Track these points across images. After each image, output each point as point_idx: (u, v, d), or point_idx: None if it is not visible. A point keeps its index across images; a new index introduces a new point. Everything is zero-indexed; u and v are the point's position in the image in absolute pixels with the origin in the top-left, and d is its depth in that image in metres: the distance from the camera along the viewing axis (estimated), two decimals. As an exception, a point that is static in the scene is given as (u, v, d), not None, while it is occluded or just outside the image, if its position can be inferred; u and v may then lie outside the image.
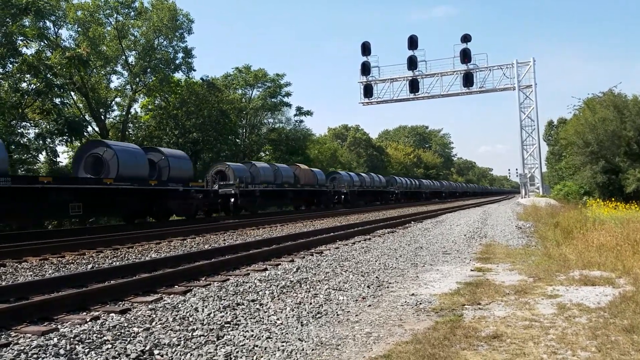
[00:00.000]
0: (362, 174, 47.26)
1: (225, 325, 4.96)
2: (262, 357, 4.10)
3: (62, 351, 4.11)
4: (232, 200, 24.88)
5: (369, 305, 5.81)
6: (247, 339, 4.52)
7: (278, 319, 5.20)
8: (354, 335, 4.67)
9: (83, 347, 4.21)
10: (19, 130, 27.11)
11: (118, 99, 38.47)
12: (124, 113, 38.17)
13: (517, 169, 49.20)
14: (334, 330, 4.84)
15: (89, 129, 34.91)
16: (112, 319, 5.11)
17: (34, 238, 13.51)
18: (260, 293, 6.35)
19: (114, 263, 9.44)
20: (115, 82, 45.24)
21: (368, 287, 6.80)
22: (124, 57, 36.52)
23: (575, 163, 34.03)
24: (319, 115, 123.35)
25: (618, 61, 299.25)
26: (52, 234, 15.69)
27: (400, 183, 53.92)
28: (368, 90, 38.62)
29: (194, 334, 4.65)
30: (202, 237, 14.24)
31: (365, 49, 37.94)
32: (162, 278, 7.17)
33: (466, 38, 35.88)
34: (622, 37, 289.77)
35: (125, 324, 4.87)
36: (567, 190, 34.67)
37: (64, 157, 35.74)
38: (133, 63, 36.97)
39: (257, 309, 5.61)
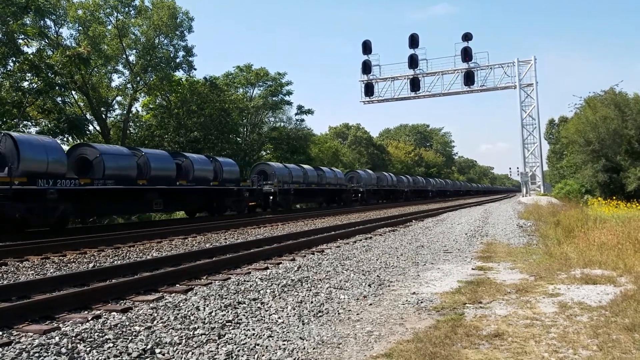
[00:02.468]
0: (376, 173, 49.26)
1: (227, 324, 4.96)
2: (263, 355, 4.11)
3: (63, 350, 4.11)
4: (271, 197, 27.91)
5: (370, 304, 5.81)
6: (248, 338, 4.53)
7: (279, 318, 5.20)
8: (355, 334, 4.67)
9: (84, 346, 4.22)
10: (21, 129, 27.13)
11: (119, 98, 38.52)
12: (125, 112, 38.19)
13: (518, 168, 49.27)
14: (335, 328, 4.85)
15: (90, 128, 34.96)
16: (113, 317, 5.12)
17: (35, 237, 13.53)
18: (261, 292, 6.36)
19: (116, 262, 9.44)
20: (116, 80, 45.40)
21: (369, 285, 6.80)
22: (124, 55, 36.53)
23: (577, 161, 33.96)
24: (320, 114, 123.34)
25: (619, 60, 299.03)
26: (53, 233, 15.70)
27: (410, 182, 56.08)
28: (369, 89, 38.60)
29: (196, 332, 4.65)
30: (204, 236, 14.24)
31: (366, 47, 37.92)
32: (164, 277, 7.18)
33: (467, 36, 35.85)
34: (623, 35, 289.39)
35: (127, 323, 4.88)
36: (569, 189, 34.60)
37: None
38: (134, 62, 36.98)
39: (259, 307, 5.62)
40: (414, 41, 36.76)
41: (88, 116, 35.41)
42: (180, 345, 4.31)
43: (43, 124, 29.35)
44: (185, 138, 38.25)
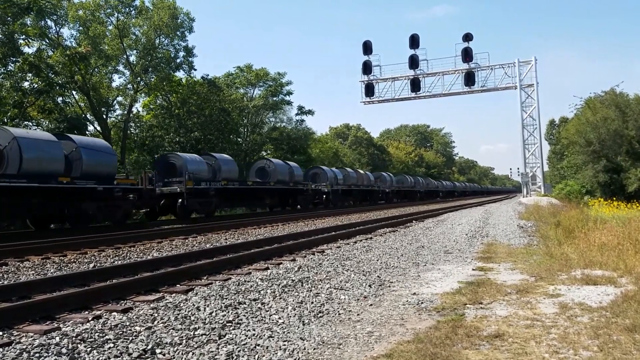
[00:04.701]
0: (397, 176, 55.50)
1: (227, 324, 4.96)
2: (263, 356, 4.11)
3: (64, 350, 4.11)
4: (325, 196, 34.09)
5: (371, 305, 5.81)
6: (248, 338, 4.53)
7: (280, 318, 5.20)
8: (356, 334, 4.67)
9: (85, 346, 4.22)
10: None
11: (119, 98, 38.51)
12: (126, 112, 38.19)
13: (518, 168, 49.24)
14: (336, 329, 4.85)
15: (91, 128, 34.97)
16: (114, 318, 5.12)
17: (36, 237, 13.53)
18: (262, 292, 6.36)
19: (116, 262, 9.45)
20: (117, 81, 45.31)
21: (370, 286, 6.80)
22: (125, 56, 36.52)
23: (577, 162, 33.94)
24: (321, 114, 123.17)
25: (620, 59, 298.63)
26: (54, 233, 15.72)
27: (424, 183, 63.17)
28: (369, 90, 38.63)
29: (196, 333, 4.65)
30: (204, 236, 14.24)
31: (367, 48, 37.94)
32: (164, 277, 7.18)
33: (467, 37, 35.87)
34: (623, 35, 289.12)
35: (127, 323, 4.88)
36: (569, 190, 34.58)
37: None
38: (134, 62, 36.98)
39: (259, 308, 5.62)
40: (414, 42, 36.78)
41: (89, 116, 35.40)
42: (180, 346, 4.31)
43: (44, 124, 29.35)
44: (185, 138, 38.25)
